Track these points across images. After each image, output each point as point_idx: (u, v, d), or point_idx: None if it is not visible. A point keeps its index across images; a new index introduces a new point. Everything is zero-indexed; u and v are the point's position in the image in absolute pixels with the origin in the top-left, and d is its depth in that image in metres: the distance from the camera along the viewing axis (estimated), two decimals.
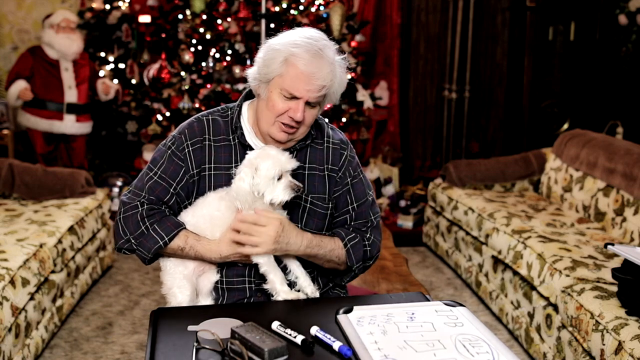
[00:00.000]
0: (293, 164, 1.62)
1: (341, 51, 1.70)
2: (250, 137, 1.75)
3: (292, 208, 1.73)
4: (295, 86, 1.61)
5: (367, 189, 1.84)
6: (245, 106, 1.79)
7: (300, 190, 1.62)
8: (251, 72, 1.69)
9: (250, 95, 1.80)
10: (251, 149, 1.73)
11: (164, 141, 1.77)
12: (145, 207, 1.70)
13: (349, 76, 4.57)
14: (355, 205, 1.80)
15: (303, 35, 1.64)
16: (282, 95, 1.63)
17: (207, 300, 1.73)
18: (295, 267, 1.70)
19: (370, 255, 1.82)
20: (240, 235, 1.62)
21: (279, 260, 1.68)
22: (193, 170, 1.72)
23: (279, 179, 1.59)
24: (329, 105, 3.41)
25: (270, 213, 1.63)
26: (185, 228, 1.70)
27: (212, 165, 1.72)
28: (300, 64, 1.59)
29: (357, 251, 1.77)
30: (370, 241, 1.81)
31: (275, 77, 1.63)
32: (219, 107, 1.81)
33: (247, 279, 1.68)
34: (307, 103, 1.64)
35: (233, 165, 1.70)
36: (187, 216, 1.73)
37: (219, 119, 1.76)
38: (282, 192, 1.59)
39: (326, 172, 1.77)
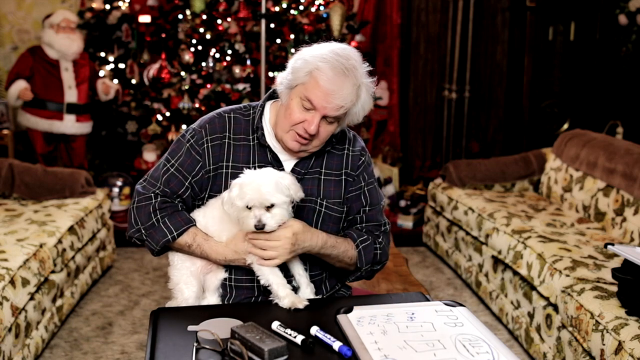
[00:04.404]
0: (271, 200, 1.54)
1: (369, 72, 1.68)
2: (269, 138, 1.75)
3: (307, 212, 1.74)
4: (313, 98, 1.61)
5: (380, 198, 1.85)
6: (268, 106, 1.79)
7: (262, 228, 1.55)
8: (280, 76, 1.71)
9: (274, 95, 1.80)
10: (270, 149, 1.73)
11: (183, 132, 1.77)
12: (159, 199, 1.72)
13: None
14: (367, 208, 1.81)
15: (334, 52, 1.62)
16: (300, 105, 1.63)
17: (213, 297, 1.74)
18: (299, 276, 1.69)
19: (380, 260, 1.82)
20: (257, 250, 1.62)
21: (283, 267, 1.67)
22: (209, 166, 1.73)
23: (249, 208, 1.56)
24: None
25: (283, 227, 1.59)
26: (195, 225, 1.72)
27: (230, 164, 1.73)
28: (322, 79, 1.59)
29: (368, 253, 1.78)
30: (381, 245, 1.81)
31: (299, 85, 1.64)
32: (240, 105, 1.81)
33: (256, 277, 1.68)
34: (325, 118, 1.64)
35: (250, 165, 1.71)
36: (199, 215, 1.74)
37: (240, 117, 1.77)
38: (243, 222, 1.58)
39: (343, 177, 1.79)
